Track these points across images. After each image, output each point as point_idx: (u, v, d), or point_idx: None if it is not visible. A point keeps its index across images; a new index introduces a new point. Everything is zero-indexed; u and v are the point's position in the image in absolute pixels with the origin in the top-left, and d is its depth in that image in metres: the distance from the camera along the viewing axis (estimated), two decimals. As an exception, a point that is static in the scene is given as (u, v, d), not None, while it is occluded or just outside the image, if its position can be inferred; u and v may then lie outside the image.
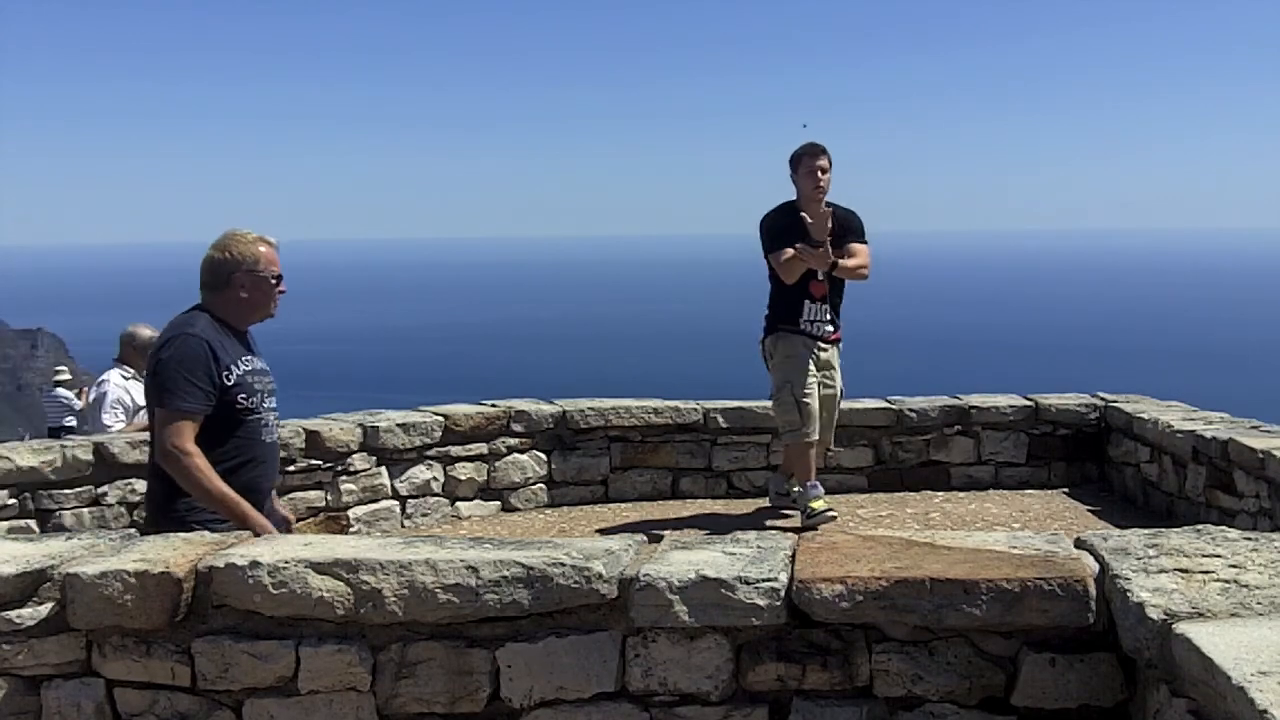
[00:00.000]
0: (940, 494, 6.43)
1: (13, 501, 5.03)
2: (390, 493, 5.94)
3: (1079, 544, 2.63)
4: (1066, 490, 6.47)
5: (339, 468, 5.73)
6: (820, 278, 5.58)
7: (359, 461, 5.80)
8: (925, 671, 2.44)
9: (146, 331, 6.67)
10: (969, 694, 2.44)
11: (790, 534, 2.94)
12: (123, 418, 6.46)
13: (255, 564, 2.58)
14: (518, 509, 6.32)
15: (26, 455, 5.07)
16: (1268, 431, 5.42)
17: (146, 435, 3.65)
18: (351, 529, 5.69)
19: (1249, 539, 2.60)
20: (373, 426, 5.85)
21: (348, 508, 5.76)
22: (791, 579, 2.48)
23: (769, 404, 5.90)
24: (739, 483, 6.50)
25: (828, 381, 5.67)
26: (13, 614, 2.63)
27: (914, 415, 6.55)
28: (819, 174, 5.49)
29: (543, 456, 6.41)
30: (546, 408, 6.46)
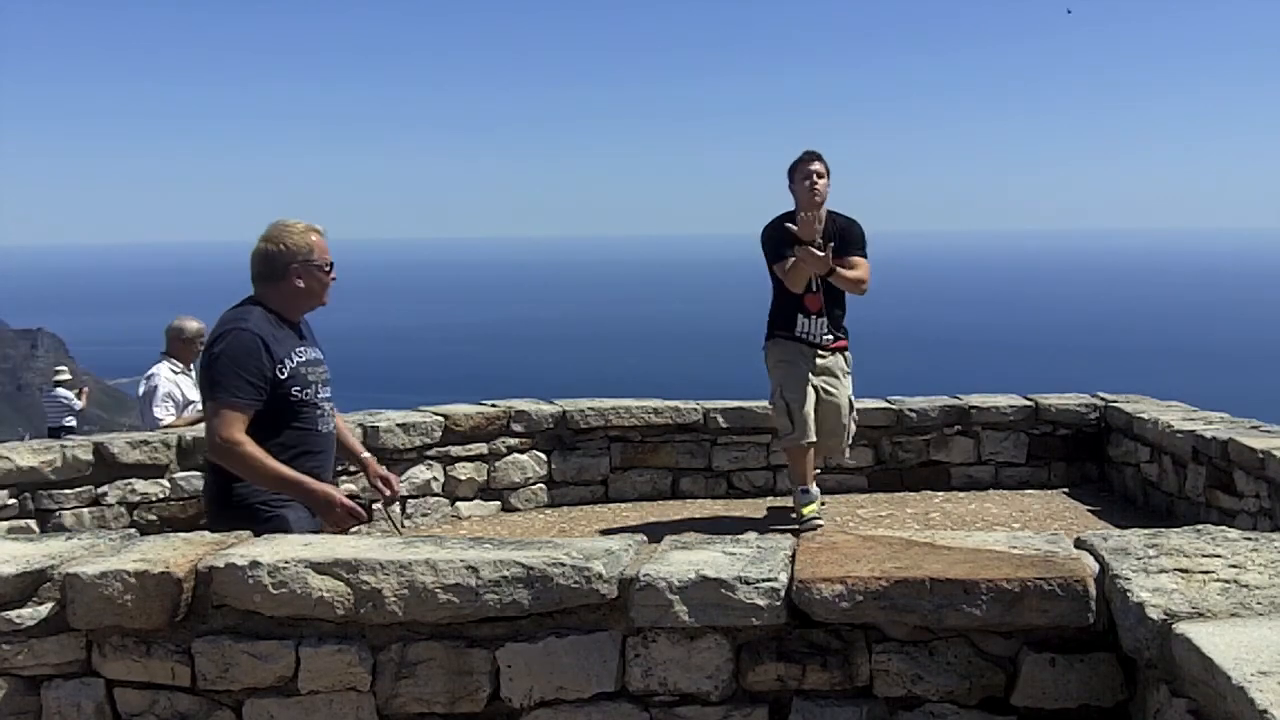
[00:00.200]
0: (940, 494, 6.43)
1: (13, 501, 5.03)
2: (390, 493, 5.94)
3: (1079, 544, 2.63)
4: (1066, 490, 6.47)
5: (339, 468, 5.73)
6: (815, 290, 5.53)
7: (359, 461, 5.80)
8: (925, 671, 2.44)
9: (193, 324, 6.69)
10: (969, 694, 2.44)
11: (790, 534, 2.95)
12: (173, 411, 6.46)
13: (255, 564, 2.58)
14: (518, 509, 6.32)
15: (26, 455, 5.07)
16: (1268, 431, 5.42)
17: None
18: (352, 529, 5.69)
19: (1249, 539, 2.60)
20: (373, 426, 5.85)
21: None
22: (791, 579, 2.48)
23: (769, 405, 5.91)
24: (739, 483, 6.50)
25: (828, 388, 5.59)
26: (13, 614, 2.63)
27: (914, 415, 6.55)
28: (814, 179, 5.47)
29: (543, 456, 6.41)
30: (546, 408, 6.46)
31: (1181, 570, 2.36)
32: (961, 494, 6.43)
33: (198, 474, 5.43)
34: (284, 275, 3.46)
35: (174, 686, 2.62)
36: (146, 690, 2.63)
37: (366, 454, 3.88)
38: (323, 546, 2.71)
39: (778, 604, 2.45)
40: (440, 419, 6.10)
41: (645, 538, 2.85)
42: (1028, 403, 6.68)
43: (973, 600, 2.38)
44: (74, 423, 15.39)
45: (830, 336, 5.63)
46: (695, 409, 6.51)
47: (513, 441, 6.33)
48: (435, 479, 6.09)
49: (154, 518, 5.30)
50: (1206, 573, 2.34)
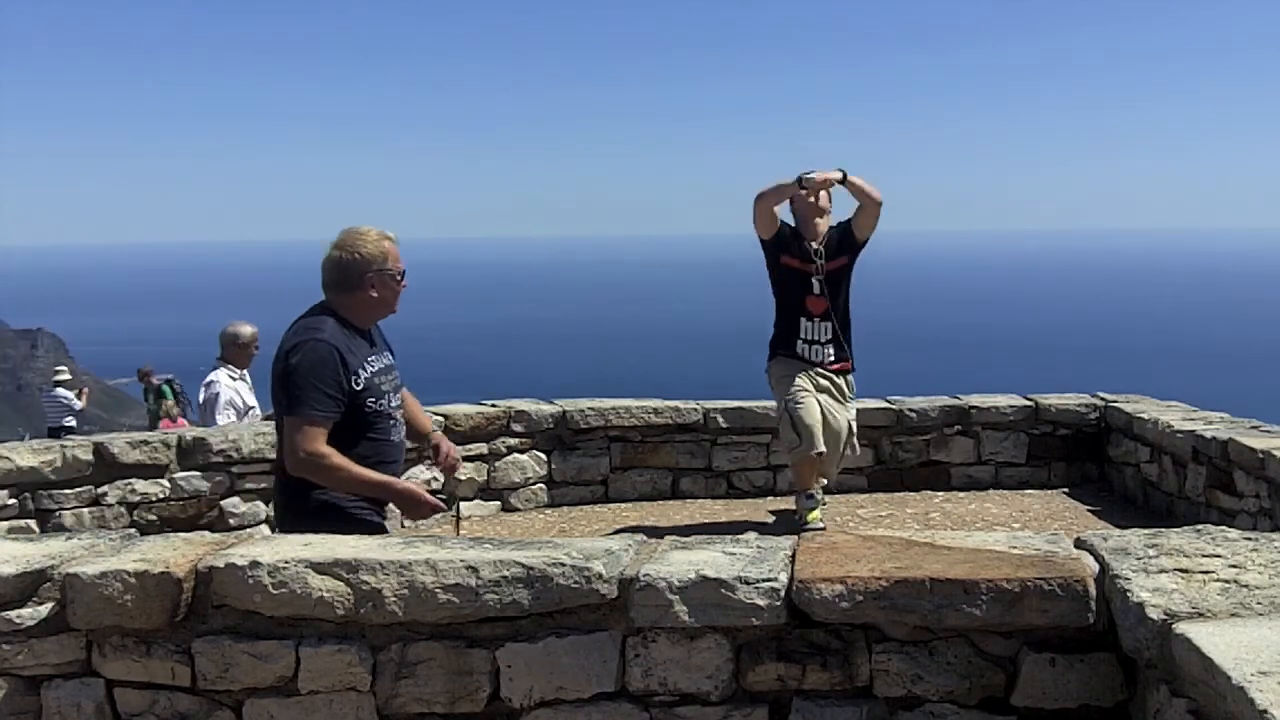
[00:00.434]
0: (940, 494, 6.43)
1: (13, 501, 5.03)
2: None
3: (1079, 544, 2.63)
4: (1066, 490, 6.48)
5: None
6: (817, 293, 5.49)
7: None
8: (925, 671, 2.44)
9: (248, 329, 6.70)
10: (969, 694, 2.44)
11: (790, 534, 2.95)
12: (233, 419, 6.47)
13: (255, 564, 2.58)
14: (518, 509, 6.32)
15: (26, 455, 5.07)
16: (1268, 431, 5.42)
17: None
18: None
19: (1249, 539, 2.60)
20: (373, 426, 5.85)
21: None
22: (791, 579, 2.48)
23: (769, 404, 5.89)
24: (739, 483, 6.50)
25: (830, 411, 5.49)
26: (13, 614, 2.63)
27: (914, 415, 6.55)
28: (819, 194, 5.47)
29: (543, 456, 6.41)
30: (546, 408, 6.46)
31: (1181, 570, 2.36)
32: (961, 494, 6.43)
33: (198, 474, 5.43)
34: (359, 284, 3.40)
35: (174, 686, 2.62)
36: (146, 690, 2.63)
37: (437, 433, 3.84)
38: (322, 546, 2.70)
39: (778, 604, 2.45)
40: (440, 419, 6.09)
41: (645, 538, 2.85)
42: (1028, 403, 6.69)
43: (973, 600, 2.38)
44: (74, 423, 15.41)
45: (832, 352, 5.55)
46: (695, 409, 6.51)
47: (513, 441, 6.33)
48: (435, 479, 6.08)
49: (154, 518, 5.31)
50: (1206, 573, 2.34)
